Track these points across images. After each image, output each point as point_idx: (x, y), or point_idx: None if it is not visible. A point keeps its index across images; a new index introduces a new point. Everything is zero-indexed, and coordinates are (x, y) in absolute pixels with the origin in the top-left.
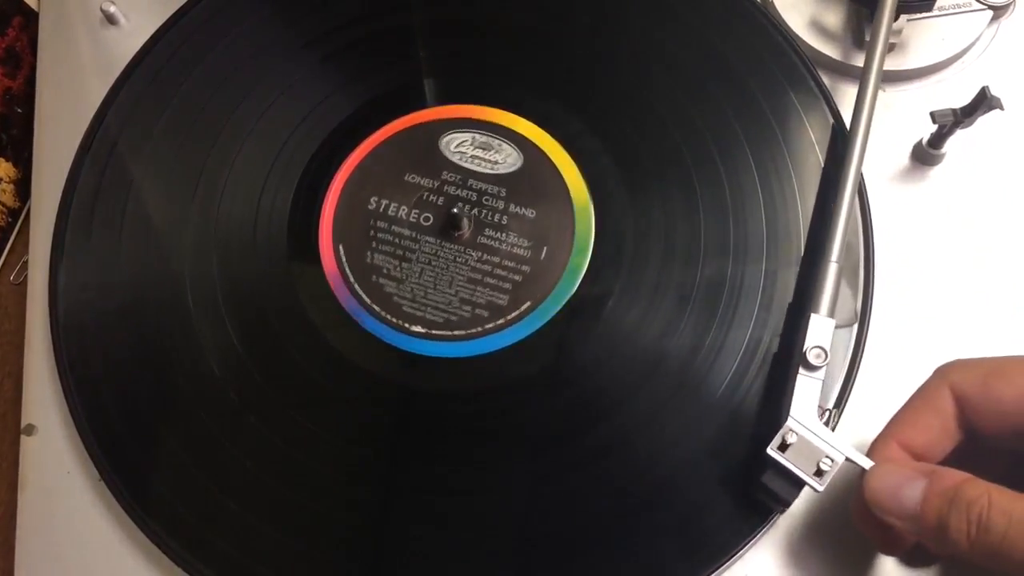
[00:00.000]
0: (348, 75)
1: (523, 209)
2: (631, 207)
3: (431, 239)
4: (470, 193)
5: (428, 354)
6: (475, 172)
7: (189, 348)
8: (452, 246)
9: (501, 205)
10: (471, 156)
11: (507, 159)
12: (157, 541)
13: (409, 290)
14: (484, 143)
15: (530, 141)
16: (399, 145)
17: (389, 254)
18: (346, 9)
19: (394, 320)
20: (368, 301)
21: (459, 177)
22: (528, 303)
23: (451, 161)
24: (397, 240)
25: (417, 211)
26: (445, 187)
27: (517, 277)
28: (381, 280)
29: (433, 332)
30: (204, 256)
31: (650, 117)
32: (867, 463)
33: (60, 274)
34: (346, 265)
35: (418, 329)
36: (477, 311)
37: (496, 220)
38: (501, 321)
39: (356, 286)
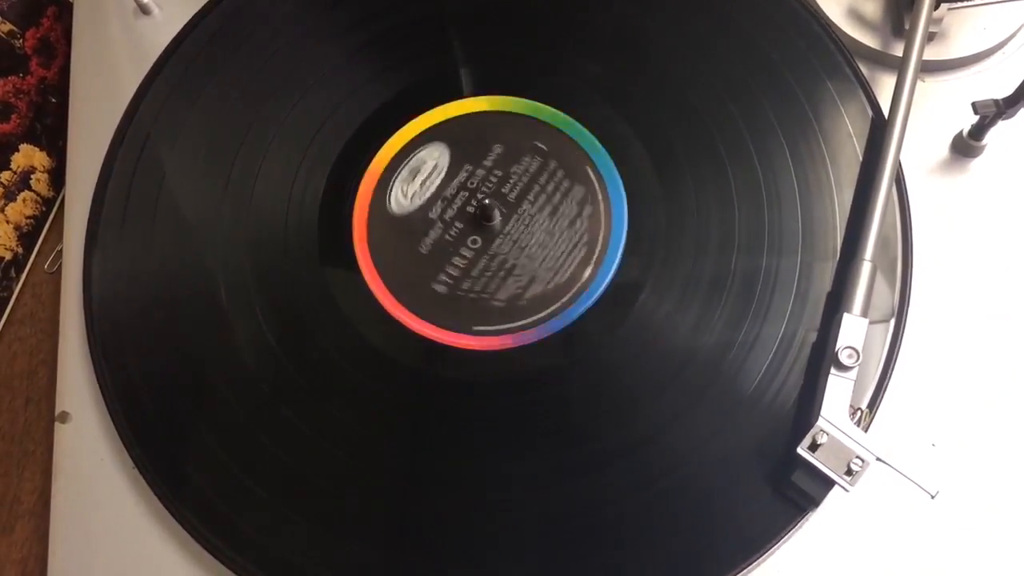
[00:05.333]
0: (384, 63)
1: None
2: (664, 198)
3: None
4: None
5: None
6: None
7: (221, 339)
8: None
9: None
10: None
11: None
12: (189, 528)
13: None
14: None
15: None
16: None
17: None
18: None
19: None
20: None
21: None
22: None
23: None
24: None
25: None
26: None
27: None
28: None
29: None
30: (236, 247)
31: (684, 107)
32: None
33: (94, 263)
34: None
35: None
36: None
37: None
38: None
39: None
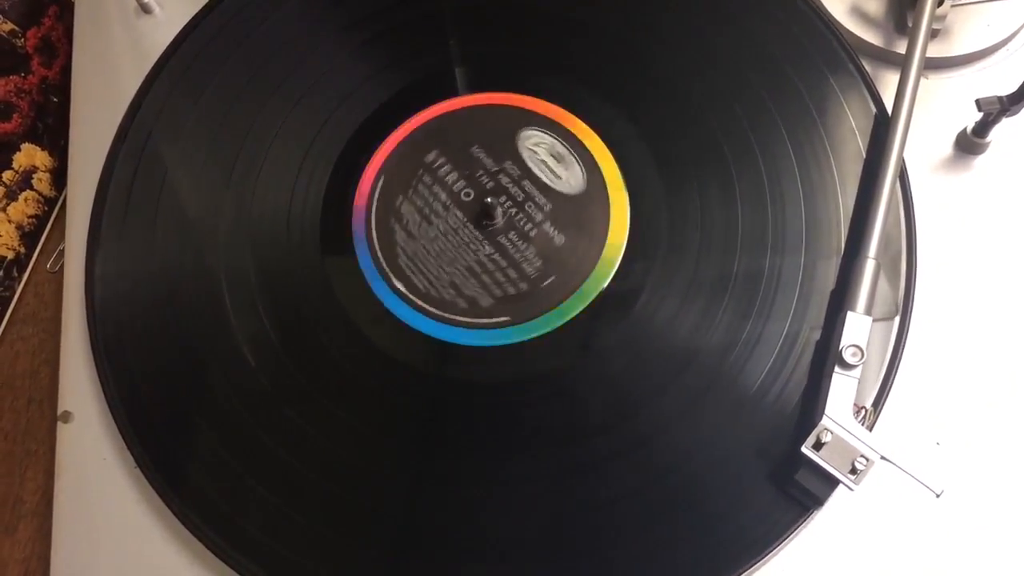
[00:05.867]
0: (385, 61)
1: (556, 232)
2: (666, 196)
3: (459, 215)
4: (518, 192)
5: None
6: (535, 176)
7: (223, 338)
8: (474, 231)
9: (539, 218)
10: (540, 160)
11: (570, 180)
12: (191, 527)
13: (412, 249)
14: (559, 154)
15: (598, 164)
16: (479, 118)
17: (417, 209)
18: None
19: (384, 268)
20: (376, 244)
21: (518, 173)
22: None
23: (520, 156)
24: (431, 200)
25: (463, 183)
26: (501, 175)
27: (511, 290)
28: (396, 227)
29: (409, 295)
30: (238, 246)
31: (687, 104)
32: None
33: (96, 263)
34: (374, 211)
35: (399, 286)
36: (457, 299)
37: (525, 229)
38: (473, 320)
39: (374, 233)
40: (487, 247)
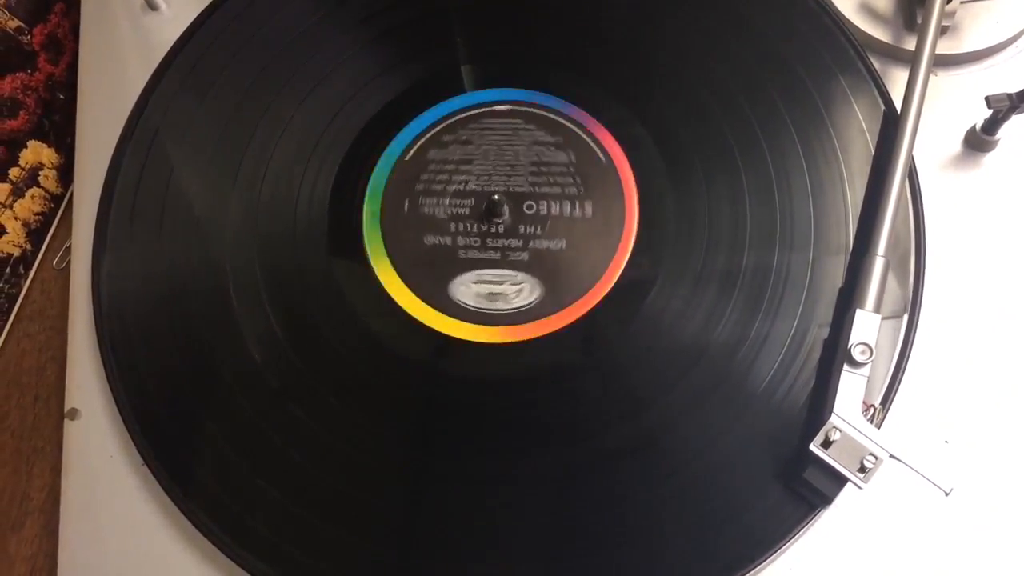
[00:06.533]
0: (394, 58)
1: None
2: (674, 193)
3: (466, 213)
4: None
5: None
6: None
7: (230, 335)
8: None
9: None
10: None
11: (578, 179)
12: (198, 524)
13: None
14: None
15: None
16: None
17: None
18: None
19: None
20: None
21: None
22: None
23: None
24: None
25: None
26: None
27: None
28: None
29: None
30: (245, 243)
31: (695, 102)
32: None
33: (103, 260)
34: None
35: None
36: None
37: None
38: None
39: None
40: (493, 244)
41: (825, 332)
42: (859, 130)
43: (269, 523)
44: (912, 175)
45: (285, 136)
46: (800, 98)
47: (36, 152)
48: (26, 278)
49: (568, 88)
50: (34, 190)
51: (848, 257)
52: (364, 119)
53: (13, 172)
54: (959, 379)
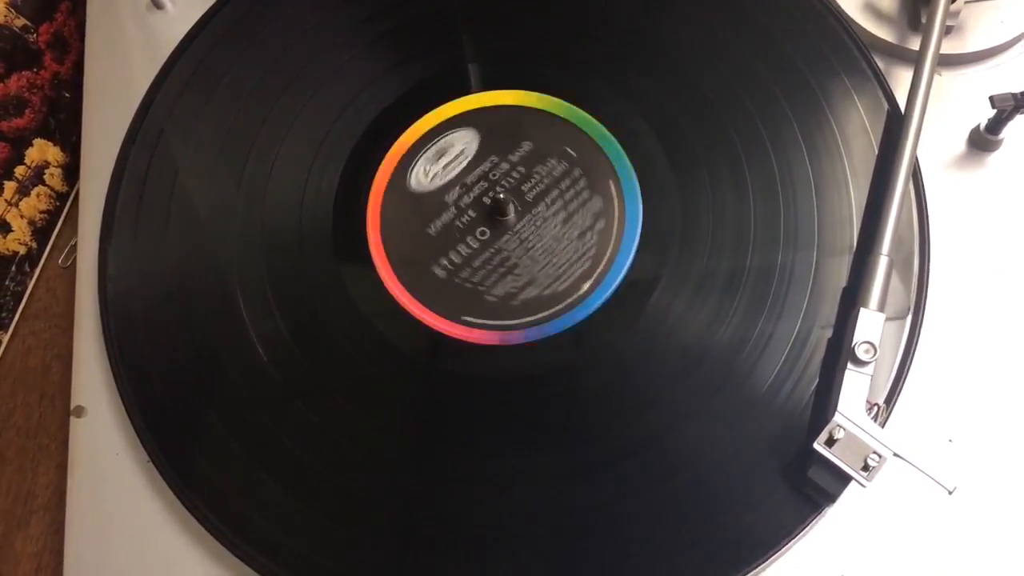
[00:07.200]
0: (399, 57)
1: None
2: (678, 193)
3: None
4: (529, 189)
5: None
6: (546, 174)
7: (235, 333)
8: (485, 227)
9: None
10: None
11: (581, 179)
12: (203, 521)
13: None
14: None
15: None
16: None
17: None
18: None
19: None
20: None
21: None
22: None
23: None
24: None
25: (474, 180)
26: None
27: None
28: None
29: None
30: (250, 241)
31: (698, 101)
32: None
33: (109, 258)
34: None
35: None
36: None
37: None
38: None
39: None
40: (497, 243)
41: (829, 333)
42: (863, 130)
43: (274, 519)
44: (916, 175)
45: (290, 134)
46: (804, 97)
47: (42, 150)
48: (32, 276)
49: (570, 86)
50: (40, 188)
51: (852, 256)
52: (370, 117)
53: (19, 170)
54: (963, 378)
